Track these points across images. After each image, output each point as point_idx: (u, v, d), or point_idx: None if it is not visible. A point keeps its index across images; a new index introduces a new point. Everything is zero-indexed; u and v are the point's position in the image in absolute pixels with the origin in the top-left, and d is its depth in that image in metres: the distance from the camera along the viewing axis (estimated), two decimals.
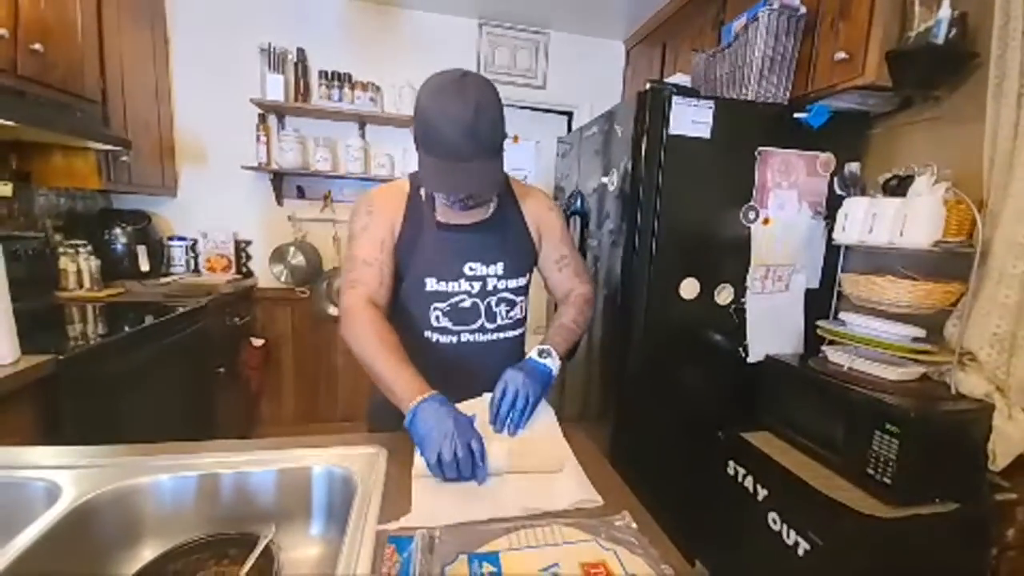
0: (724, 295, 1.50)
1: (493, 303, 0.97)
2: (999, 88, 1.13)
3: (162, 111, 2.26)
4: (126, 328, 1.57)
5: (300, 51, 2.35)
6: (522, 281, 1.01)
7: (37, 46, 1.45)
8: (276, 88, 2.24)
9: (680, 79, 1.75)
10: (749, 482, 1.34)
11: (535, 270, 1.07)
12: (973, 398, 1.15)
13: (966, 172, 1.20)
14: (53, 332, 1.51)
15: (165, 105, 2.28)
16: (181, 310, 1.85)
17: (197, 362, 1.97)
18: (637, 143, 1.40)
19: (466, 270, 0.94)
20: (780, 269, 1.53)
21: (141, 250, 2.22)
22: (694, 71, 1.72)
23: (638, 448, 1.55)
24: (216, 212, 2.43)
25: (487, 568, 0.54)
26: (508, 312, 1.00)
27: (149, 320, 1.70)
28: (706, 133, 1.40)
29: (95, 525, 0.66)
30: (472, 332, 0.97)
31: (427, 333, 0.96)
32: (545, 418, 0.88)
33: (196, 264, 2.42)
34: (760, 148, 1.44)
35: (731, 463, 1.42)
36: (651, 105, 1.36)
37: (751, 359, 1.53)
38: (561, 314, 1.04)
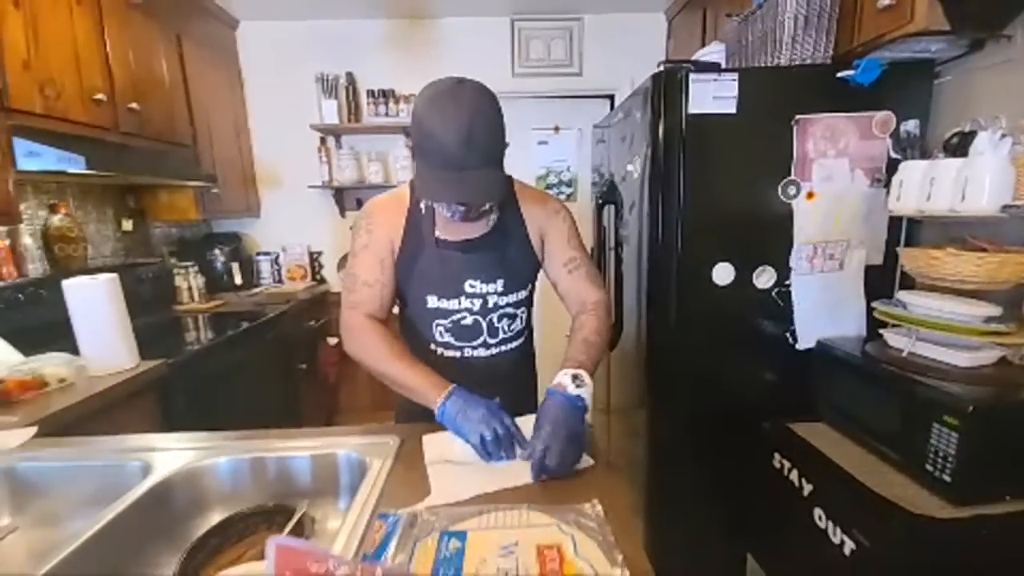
0: (764, 278, 1.41)
1: (495, 319, 0.98)
2: None
3: (242, 145, 2.60)
4: (228, 332, 1.87)
5: (349, 75, 2.57)
6: (523, 294, 1.01)
7: (134, 105, 1.76)
8: (331, 112, 2.48)
9: (714, 48, 1.65)
10: (795, 476, 1.27)
11: (545, 276, 1.05)
12: None
13: None
14: (174, 339, 1.85)
15: (244, 139, 2.63)
16: (268, 316, 2.15)
17: (283, 360, 2.27)
18: (655, 127, 1.36)
19: (466, 287, 0.95)
20: (832, 246, 1.40)
21: (235, 266, 2.59)
22: (727, 38, 1.61)
23: (680, 439, 1.52)
24: (292, 228, 2.75)
25: (454, 544, 0.61)
26: (510, 326, 1.00)
27: (244, 326, 1.99)
28: (731, 108, 1.31)
29: (174, 495, 0.83)
30: (475, 348, 0.99)
31: (433, 346, 1.00)
32: None
33: (279, 275, 2.77)
34: (798, 116, 1.32)
35: (776, 455, 1.34)
36: (666, 86, 1.31)
37: (801, 345, 1.42)
38: (582, 325, 0.97)
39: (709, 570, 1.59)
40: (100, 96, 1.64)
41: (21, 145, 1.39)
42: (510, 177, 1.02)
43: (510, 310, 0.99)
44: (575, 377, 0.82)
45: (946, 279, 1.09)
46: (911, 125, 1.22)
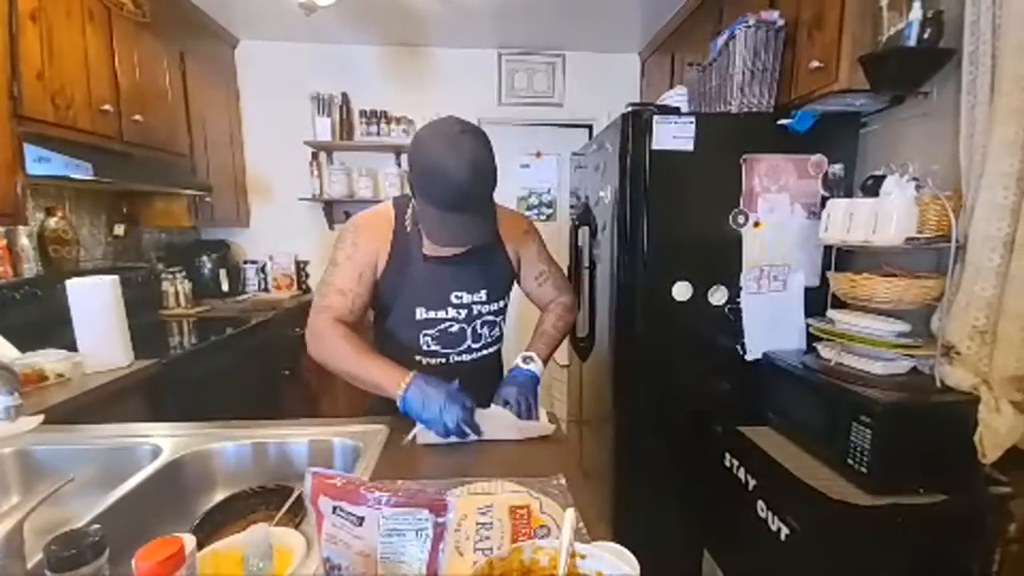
0: (718, 296, 1.58)
1: (478, 326, 1.07)
2: (973, 84, 1.16)
3: (236, 157, 2.69)
4: (212, 338, 1.93)
5: (344, 95, 2.71)
6: (502, 303, 1.12)
7: (137, 116, 1.85)
8: (324, 129, 2.60)
9: (678, 91, 1.86)
10: (741, 473, 1.42)
11: (518, 288, 1.18)
12: (960, 391, 1.17)
13: (957, 167, 1.22)
14: (159, 342, 1.90)
15: (238, 151, 2.72)
16: (253, 323, 2.21)
17: (267, 366, 2.32)
18: (623, 160, 1.53)
19: (452, 299, 1.02)
20: (776, 269, 1.58)
21: (222, 273, 2.65)
22: (688, 85, 1.82)
23: (642, 444, 1.66)
24: (280, 238, 2.83)
25: None
26: (491, 332, 1.10)
27: (229, 332, 2.06)
28: (689, 146, 1.50)
29: (183, 475, 0.92)
30: (459, 353, 1.06)
31: (418, 356, 1.05)
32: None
33: (265, 283, 2.83)
34: (745, 155, 1.52)
35: (727, 456, 1.49)
36: (634, 125, 1.50)
37: (750, 356, 1.59)
38: (543, 321, 1.16)
39: (670, 567, 1.71)
40: (107, 107, 1.73)
41: (31, 151, 1.47)
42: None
43: (491, 318, 1.10)
44: (525, 358, 1.04)
45: (864, 300, 1.28)
46: (837, 168, 1.43)
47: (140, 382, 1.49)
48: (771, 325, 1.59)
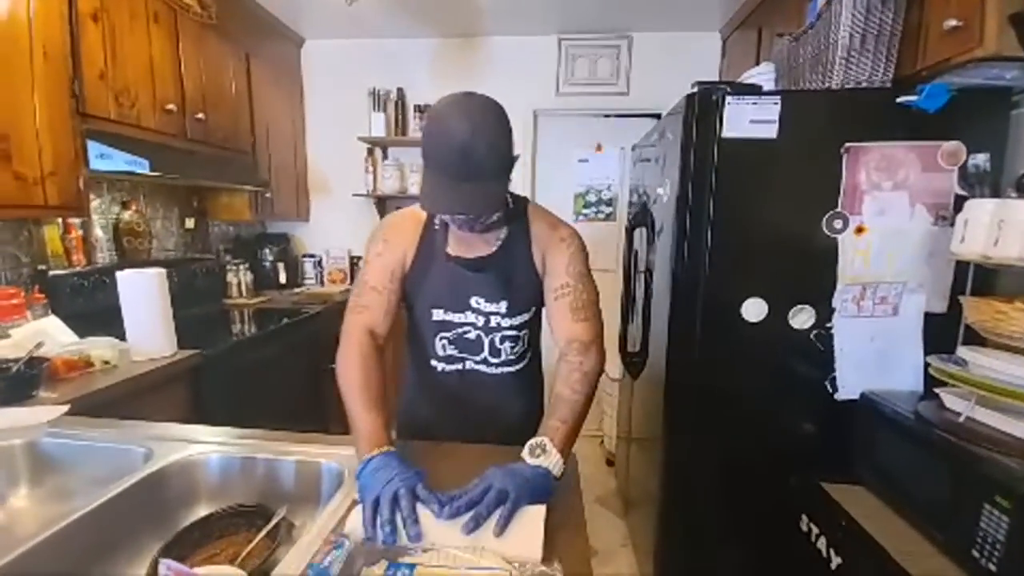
0: (802, 318, 1.29)
1: (497, 340, 0.98)
2: None
3: (298, 153, 2.77)
4: (271, 327, 1.98)
5: (399, 90, 2.67)
6: (525, 317, 0.98)
7: (200, 115, 1.92)
8: (379, 125, 2.58)
9: (763, 69, 1.56)
10: (822, 543, 1.13)
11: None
12: None
13: None
14: (215, 331, 1.97)
15: (300, 148, 2.80)
16: (304, 315, 2.24)
17: (313, 359, 2.35)
18: (687, 149, 1.29)
19: (472, 303, 0.96)
20: (884, 287, 1.25)
21: (281, 266, 2.74)
22: (776, 58, 1.52)
23: (696, 482, 1.41)
24: (336, 233, 2.88)
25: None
26: (512, 348, 0.99)
27: (283, 322, 2.09)
28: (771, 133, 1.22)
29: (169, 484, 0.87)
30: (477, 363, 0.99)
31: (433, 362, 1.00)
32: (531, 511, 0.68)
33: (321, 277, 2.89)
34: (848, 144, 1.21)
35: (804, 518, 1.21)
36: (700, 108, 1.25)
37: (841, 395, 1.28)
38: (556, 378, 0.89)
39: None
40: (171, 106, 1.80)
41: (94, 147, 1.55)
42: (526, 199, 1.01)
43: (512, 332, 0.98)
44: (532, 449, 0.75)
45: (1015, 337, 0.94)
46: (980, 159, 1.08)
47: (181, 372, 1.52)
48: (874, 359, 1.26)
